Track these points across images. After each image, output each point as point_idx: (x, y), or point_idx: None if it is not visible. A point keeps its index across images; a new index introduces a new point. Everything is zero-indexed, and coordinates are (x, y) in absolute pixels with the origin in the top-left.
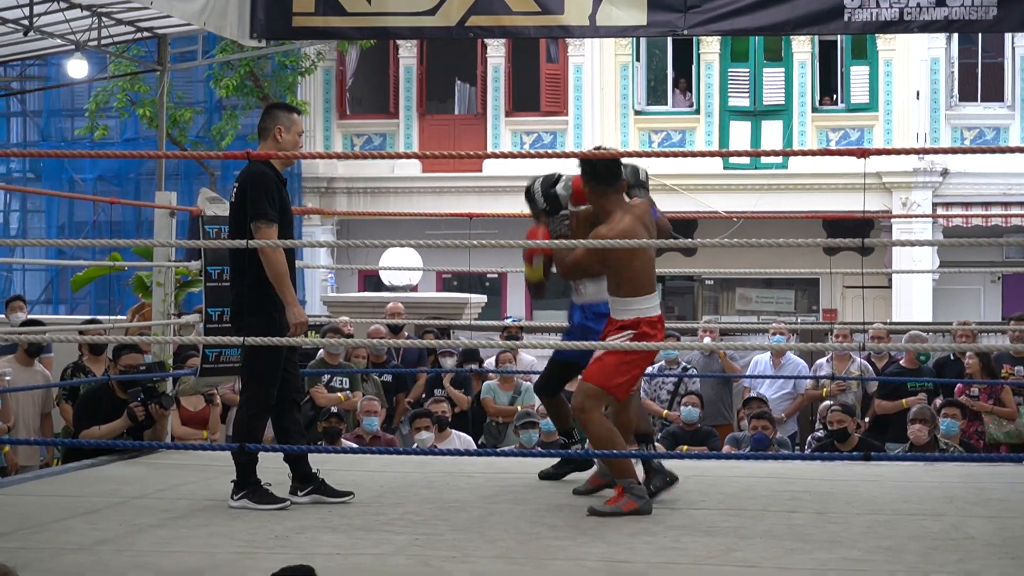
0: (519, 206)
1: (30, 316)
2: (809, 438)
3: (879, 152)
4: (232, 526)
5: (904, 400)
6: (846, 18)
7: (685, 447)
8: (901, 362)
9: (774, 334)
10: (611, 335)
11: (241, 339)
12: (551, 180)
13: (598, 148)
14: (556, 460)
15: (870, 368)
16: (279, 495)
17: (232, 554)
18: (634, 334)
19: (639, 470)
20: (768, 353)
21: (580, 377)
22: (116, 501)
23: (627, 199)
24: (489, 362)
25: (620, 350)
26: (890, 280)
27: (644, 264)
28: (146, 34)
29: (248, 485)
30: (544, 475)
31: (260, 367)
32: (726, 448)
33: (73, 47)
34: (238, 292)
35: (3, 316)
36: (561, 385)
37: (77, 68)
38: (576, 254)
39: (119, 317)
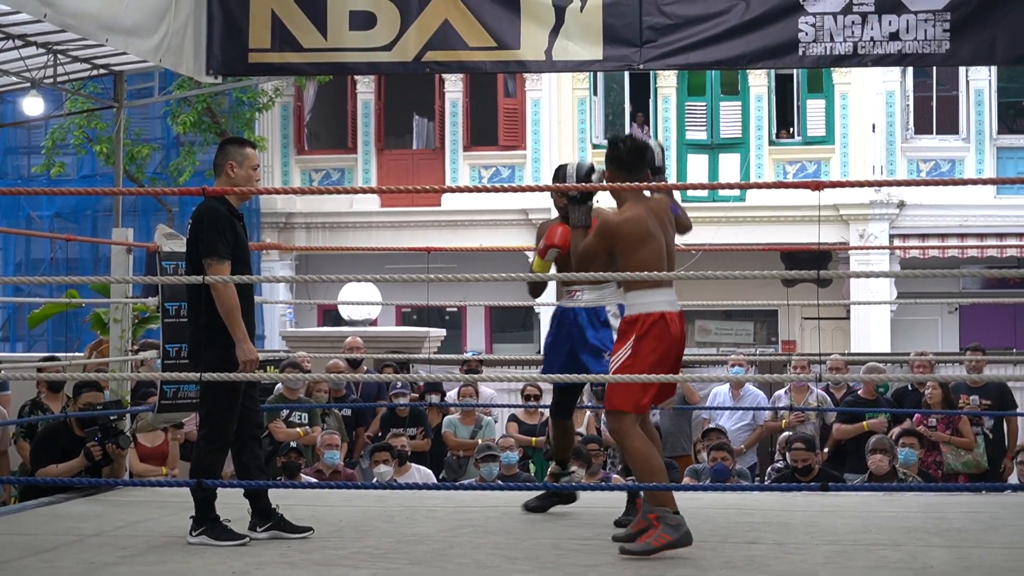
0: (478, 240)
1: None
2: (769, 469)
3: (833, 184)
4: (190, 563)
5: (865, 422)
6: (801, 52)
7: None
8: (859, 392)
9: (733, 365)
10: (617, 345)
11: (198, 375)
12: (586, 168)
13: (628, 135)
14: (539, 492)
15: (828, 399)
16: (238, 531)
17: None
18: (635, 338)
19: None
20: (727, 385)
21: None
22: (73, 539)
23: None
24: (452, 396)
25: (620, 365)
26: (848, 311)
27: (650, 255)
28: (102, 71)
29: (207, 521)
30: (529, 507)
31: (217, 403)
32: (685, 480)
33: (29, 84)
34: (195, 329)
35: None
36: (573, 402)
37: (33, 106)
38: (586, 241)
39: (77, 354)
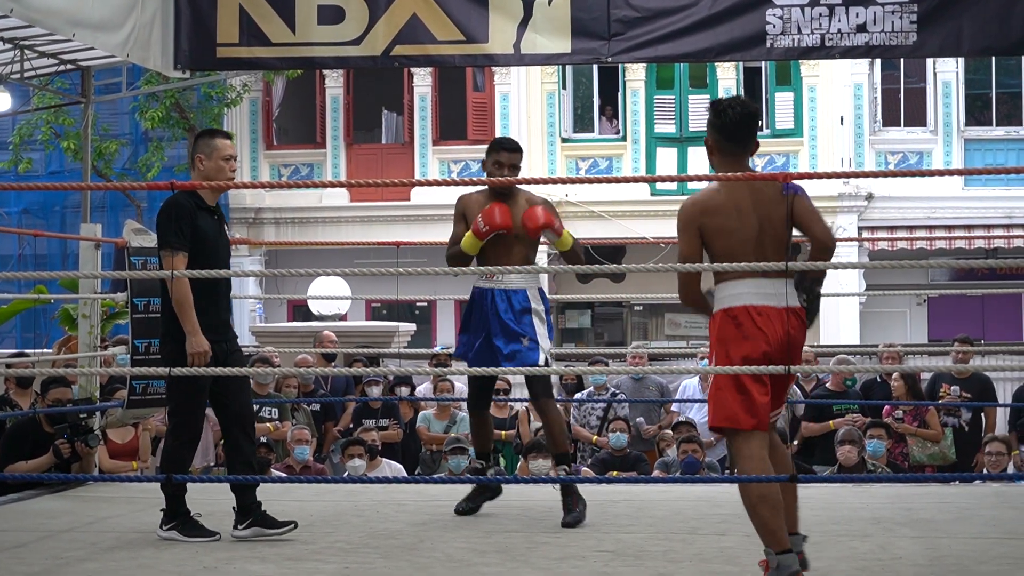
0: (447, 234)
1: None
2: None
3: (800, 176)
4: (159, 557)
5: (832, 422)
6: (768, 44)
7: (615, 472)
8: (828, 385)
9: (702, 359)
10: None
11: (166, 370)
12: None
13: (737, 99)
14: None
15: (798, 391)
16: (209, 527)
17: None
18: (716, 340)
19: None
20: (697, 377)
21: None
22: (43, 535)
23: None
24: (425, 390)
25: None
26: None
27: (729, 243)
28: (70, 66)
29: (177, 516)
30: (461, 511)
31: (182, 396)
32: (656, 473)
33: None
34: (162, 322)
35: None
36: (490, 394)
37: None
38: (681, 248)
39: (45, 350)
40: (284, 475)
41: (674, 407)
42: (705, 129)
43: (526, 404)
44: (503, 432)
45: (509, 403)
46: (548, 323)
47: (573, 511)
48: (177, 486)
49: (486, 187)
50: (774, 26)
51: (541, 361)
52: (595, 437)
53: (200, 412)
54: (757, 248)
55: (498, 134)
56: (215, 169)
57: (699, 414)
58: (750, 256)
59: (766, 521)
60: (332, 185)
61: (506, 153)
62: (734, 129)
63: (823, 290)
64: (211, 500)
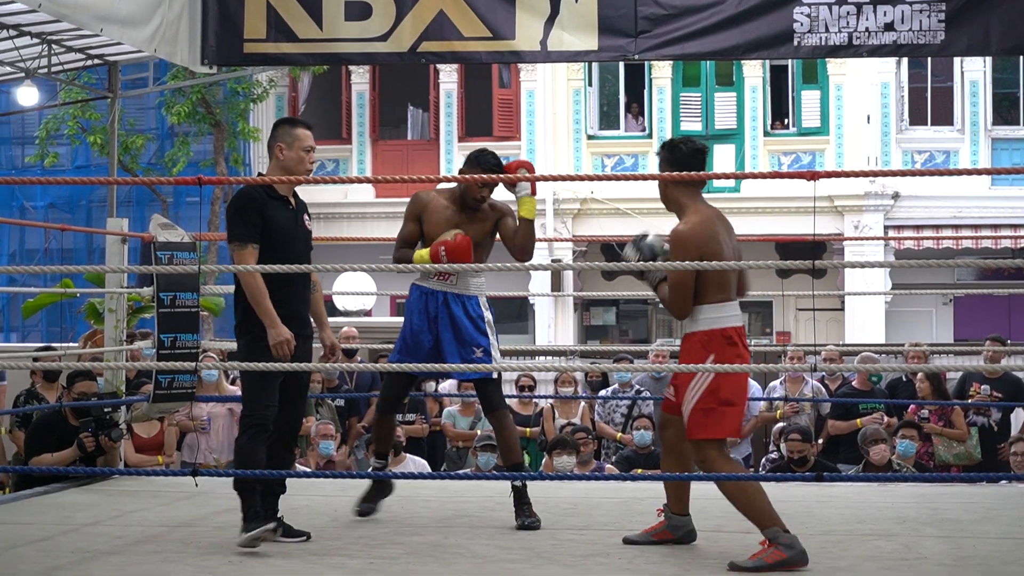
0: None
1: None
2: (764, 459)
3: (829, 175)
4: (185, 552)
5: (858, 420)
6: (796, 43)
7: (640, 470)
8: (853, 383)
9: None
10: (687, 359)
11: (193, 365)
12: (649, 249)
13: (687, 138)
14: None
15: (823, 390)
16: (297, 527)
17: None
18: (707, 354)
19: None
20: None
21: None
22: (68, 528)
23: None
24: (450, 386)
25: (707, 388)
26: (843, 303)
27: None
28: (97, 61)
29: (257, 517)
30: (362, 512)
31: (251, 390)
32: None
33: (23, 75)
34: (237, 315)
35: None
36: (401, 399)
37: (27, 96)
38: (672, 276)
39: (71, 344)
40: (309, 470)
41: None
42: (666, 162)
43: (550, 401)
44: (527, 429)
45: (533, 400)
46: (495, 333)
47: (530, 517)
48: (244, 483)
49: (451, 188)
50: (801, 24)
51: (494, 374)
52: (619, 434)
53: (271, 404)
54: (734, 273)
55: (524, 131)
56: (296, 160)
57: None
58: (733, 280)
59: (766, 506)
60: (357, 181)
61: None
62: (688, 163)
63: (849, 288)
64: (235, 495)
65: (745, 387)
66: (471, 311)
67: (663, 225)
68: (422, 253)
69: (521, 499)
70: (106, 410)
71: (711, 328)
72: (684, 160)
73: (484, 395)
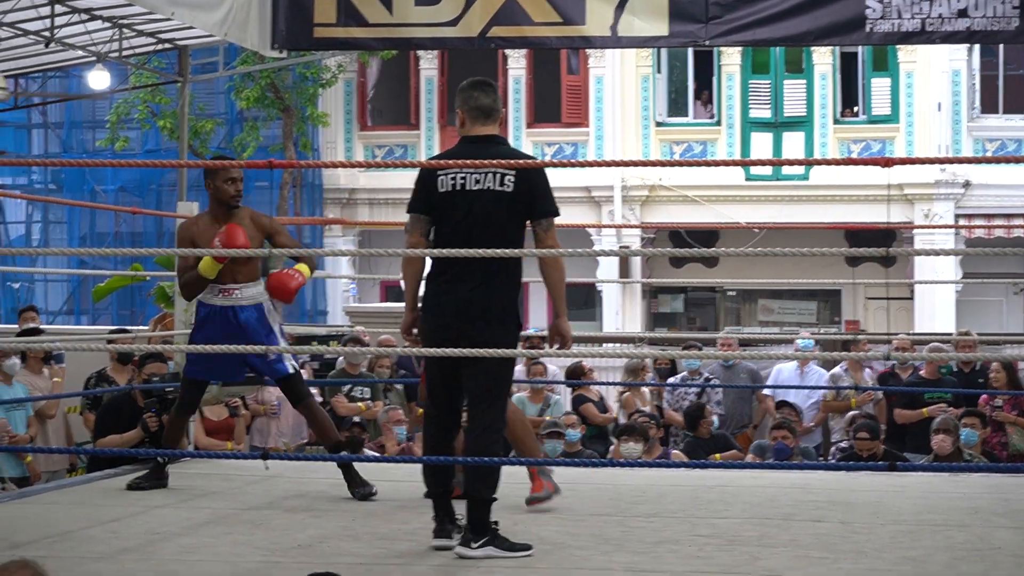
0: None
1: (33, 326)
2: (833, 449)
3: (903, 161)
4: (254, 535)
5: (925, 409)
6: (868, 29)
7: (717, 456)
8: (922, 372)
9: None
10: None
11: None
12: None
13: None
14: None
15: (876, 380)
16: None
17: (255, 563)
18: None
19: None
20: (793, 362)
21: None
22: (138, 510)
23: None
24: (517, 373)
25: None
26: (912, 292)
27: None
28: (167, 46)
29: (490, 531)
30: (133, 486)
31: (507, 386)
32: (750, 457)
33: (94, 59)
34: (491, 299)
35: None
36: (196, 403)
37: (98, 80)
38: None
39: (141, 327)
40: (377, 455)
41: (767, 392)
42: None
43: (621, 389)
44: (602, 415)
45: (595, 387)
46: (280, 329)
47: (363, 486)
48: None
49: (205, 211)
50: (874, 10)
51: (291, 369)
52: None
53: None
54: None
55: (592, 117)
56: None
57: (798, 397)
58: None
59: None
60: (427, 166)
61: (236, 169)
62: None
63: (919, 277)
64: (305, 479)
65: None
66: (261, 321)
67: (730, 212)
68: (205, 261)
69: (349, 472)
70: (168, 390)
71: None
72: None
73: (291, 392)
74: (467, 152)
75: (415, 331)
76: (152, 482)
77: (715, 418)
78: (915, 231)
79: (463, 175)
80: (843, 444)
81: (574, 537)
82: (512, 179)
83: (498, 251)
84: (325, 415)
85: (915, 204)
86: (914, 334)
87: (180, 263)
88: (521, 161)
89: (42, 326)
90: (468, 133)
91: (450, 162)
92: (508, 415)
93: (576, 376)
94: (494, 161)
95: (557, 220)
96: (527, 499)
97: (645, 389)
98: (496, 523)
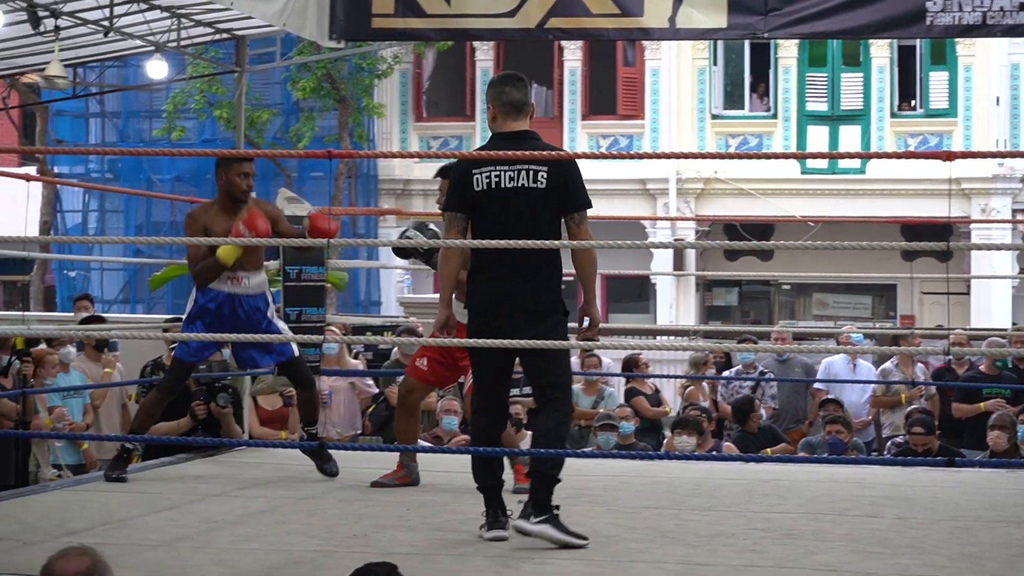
0: (598, 208)
1: (95, 314)
2: (888, 443)
3: (965, 155)
4: (310, 524)
5: (982, 404)
6: (928, 22)
7: (769, 451)
8: (980, 368)
9: (848, 334)
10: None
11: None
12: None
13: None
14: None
15: (929, 374)
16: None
17: (310, 552)
18: None
19: None
20: (842, 356)
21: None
22: (194, 498)
23: None
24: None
25: None
26: (968, 286)
27: None
28: (225, 35)
29: (551, 511)
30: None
31: (568, 372)
32: (801, 453)
33: (153, 48)
34: (548, 290)
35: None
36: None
37: (156, 69)
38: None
39: None
40: (431, 445)
41: (820, 386)
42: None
43: (682, 382)
44: (653, 409)
45: (648, 380)
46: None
47: (329, 460)
48: (559, 471)
49: (213, 200)
50: (934, 3)
51: (297, 353)
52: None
53: None
54: None
55: (648, 109)
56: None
57: (852, 394)
58: None
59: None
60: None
61: (248, 164)
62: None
63: (976, 272)
64: (359, 469)
65: None
66: (263, 311)
67: (785, 206)
68: (226, 250)
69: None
70: (220, 379)
71: None
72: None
73: (297, 378)
74: (501, 149)
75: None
76: (120, 471)
77: (763, 412)
78: (972, 226)
79: (497, 173)
80: (899, 439)
81: (629, 530)
82: (545, 175)
83: (543, 243)
84: (317, 398)
85: (972, 199)
86: (970, 329)
87: (192, 252)
88: (554, 153)
89: (99, 315)
90: (500, 129)
91: (486, 153)
92: None
93: (630, 368)
94: (531, 153)
95: (612, 212)
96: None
97: (706, 383)
98: (557, 507)
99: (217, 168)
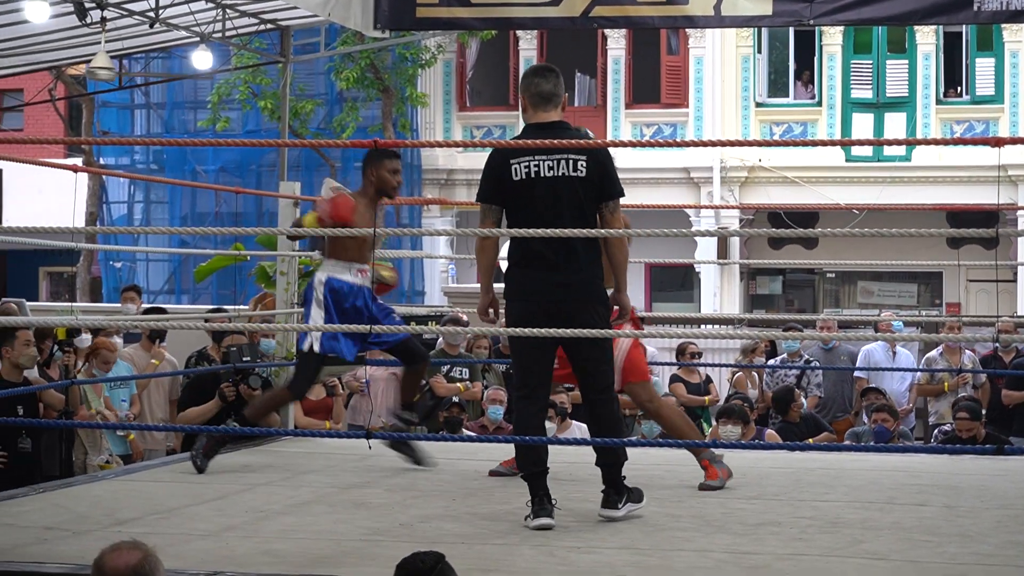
0: (639, 198)
1: (153, 305)
2: (936, 431)
3: (1014, 141)
4: (356, 514)
5: None
6: (975, 7)
7: (811, 439)
8: None
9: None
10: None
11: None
12: None
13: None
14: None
15: (976, 360)
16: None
17: (357, 541)
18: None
19: None
20: (880, 344)
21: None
22: (241, 488)
23: None
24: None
25: (632, 343)
26: (1015, 274)
27: None
28: (269, 26)
29: (625, 488)
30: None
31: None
32: (846, 442)
33: (198, 39)
34: (588, 280)
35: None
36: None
37: (201, 60)
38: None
39: (242, 307)
40: (476, 435)
41: (860, 375)
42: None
43: (732, 370)
44: (706, 398)
45: (698, 368)
46: None
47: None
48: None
49: (359, 190)
50: None
51: (306, 348)
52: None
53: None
54: None
55: (692, 98)
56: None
57: (894, 382)
58: None
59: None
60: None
61: (399, 162)
62: None
63: (1022, 259)
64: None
65: None
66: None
67: (830, 194)
68: (310, 216)
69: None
70: (246, 359)
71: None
72: None
73: (410, 358)
74: (536, 139)
75: (491, 313)
76: (209, 457)
77: (804, 401)
78: (1019, 212)
79: (536, 162)
80: (945, 427)
81: (674, 519)
82: (584, 164)
83: (585, 231)
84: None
85: (1019, 186)
86: (1018, 316)
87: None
88: (591, 141)
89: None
90: (532, 120)
91: (523, 142)
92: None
93: (679, 357)
94: (571, 142)
95: (656, 201)
96: (699, 485)
97: (753, 372)
98: (624, 476)
99: (366, 163)
